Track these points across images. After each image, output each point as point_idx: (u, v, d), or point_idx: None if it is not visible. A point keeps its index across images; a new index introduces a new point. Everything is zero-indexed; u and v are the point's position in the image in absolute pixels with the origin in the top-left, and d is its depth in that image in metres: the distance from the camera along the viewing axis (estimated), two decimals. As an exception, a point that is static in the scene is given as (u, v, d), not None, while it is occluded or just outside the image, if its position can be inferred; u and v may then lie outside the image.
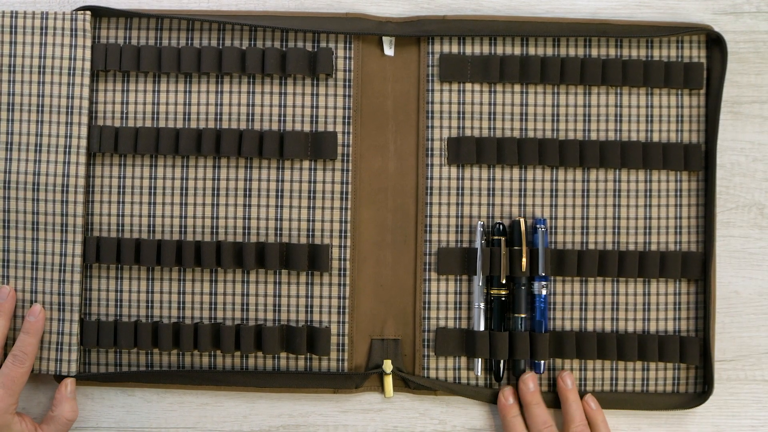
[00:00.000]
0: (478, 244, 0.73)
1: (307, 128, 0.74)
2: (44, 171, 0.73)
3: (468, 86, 0.75)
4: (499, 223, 0.73)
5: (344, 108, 0.74)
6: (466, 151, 0.74)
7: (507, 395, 0.73)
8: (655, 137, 0.75)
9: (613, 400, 0.74)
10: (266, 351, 0.73)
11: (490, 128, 0.75)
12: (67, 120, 0.73)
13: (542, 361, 0.73)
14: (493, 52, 0.75)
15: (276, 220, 0.74)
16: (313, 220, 0.74)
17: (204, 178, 0.74)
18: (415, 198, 0.75)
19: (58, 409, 0.72)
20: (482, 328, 0.73)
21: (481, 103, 0.75)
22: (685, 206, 0.75)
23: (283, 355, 0.74)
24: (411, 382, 0.74)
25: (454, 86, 0.75)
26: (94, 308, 0.74)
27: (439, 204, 0.74)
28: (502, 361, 0.73)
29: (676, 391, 0.74)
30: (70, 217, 0.73)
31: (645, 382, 0.74)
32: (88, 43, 0.74)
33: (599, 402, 0.73)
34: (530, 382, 0.73)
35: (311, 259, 0.73)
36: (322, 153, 0.74)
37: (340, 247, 0.74)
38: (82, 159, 0.73)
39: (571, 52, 0.75)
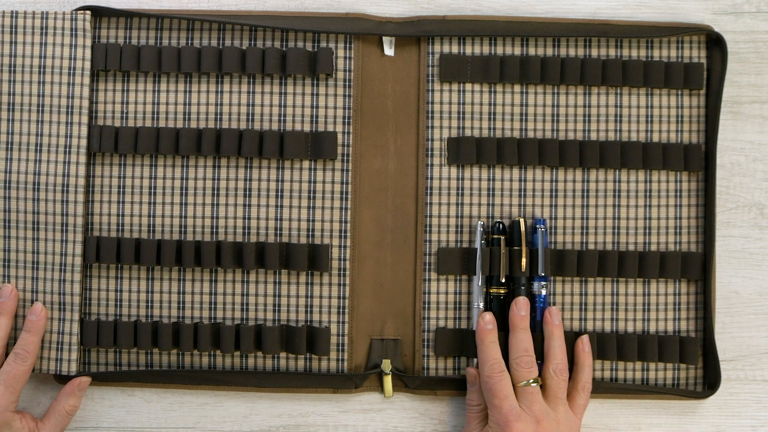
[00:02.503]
0: (478, 244, 0.73)
1: (307, 128, 0.74)
2: (44, 171, 0.73)
3: (468, 86, 0.75)
4: (500, 222, 0.73)
5: (344, 108, 0.74)
6: (466, 151, 0.74)
7: (488, 320, 0.71)
8: (655, 137, 0.75)
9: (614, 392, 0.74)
10: (266, 351, 0.73)
11: (490, 128, 0.75)
12: (67, 120, 0.73)
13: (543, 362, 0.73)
14: (493, 52, 0.75)
15: (276, 220, 0.74)
16: (313, 220, 0.74)
17: (204, 178, 0.74)
18: (415, 198, 0.75)
19: (61, 402, 0.72)
20: (482, 328, 0.73)
21: (481, 103, 0.75)
22: (685, 206, 0.74)
23: (282, 355, 0.74)
24: (411, 382, 0.74)
25: (454, 86, 0.75)
26: (94, 308, 0.74)
27: (439, 204, 0.74)
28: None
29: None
30: (70, 217, 0.73)
31: (645, 382, 0.74)
32: (88, 42, 0.74)
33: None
34: (523, 307, 0.71)
35: (311, 259, 0.73)
36: (322, 153, 0.74)
37: (340, 247, 0.74)
38: (83, 159, 0.73)
39: (571, 52, 0.75)
